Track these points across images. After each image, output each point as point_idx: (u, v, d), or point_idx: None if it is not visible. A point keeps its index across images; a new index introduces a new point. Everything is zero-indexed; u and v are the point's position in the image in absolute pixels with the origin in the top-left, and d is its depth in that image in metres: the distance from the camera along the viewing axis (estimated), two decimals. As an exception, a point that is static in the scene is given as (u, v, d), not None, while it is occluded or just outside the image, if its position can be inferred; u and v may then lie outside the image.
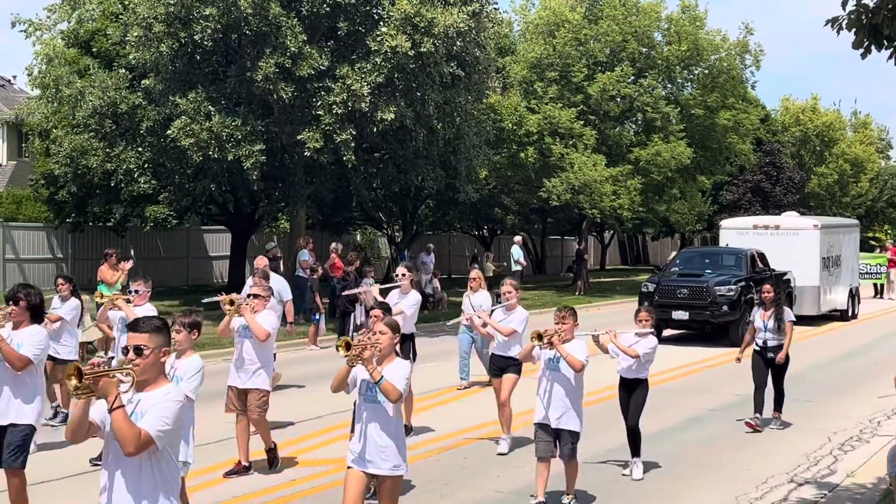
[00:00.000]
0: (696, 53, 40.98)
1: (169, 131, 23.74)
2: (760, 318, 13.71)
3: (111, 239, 32.96)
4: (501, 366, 11.92)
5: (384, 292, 12.89)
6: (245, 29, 23.34)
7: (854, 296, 30.92)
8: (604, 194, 36.73)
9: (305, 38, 23.63)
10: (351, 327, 23.07)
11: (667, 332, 23.87)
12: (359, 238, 43.86)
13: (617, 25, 39.64)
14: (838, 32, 9.86)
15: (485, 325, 12.35)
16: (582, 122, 37.88)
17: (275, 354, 12.11)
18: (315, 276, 24.04)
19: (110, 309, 12.12)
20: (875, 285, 39.49)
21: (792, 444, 12.69)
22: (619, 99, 39.53)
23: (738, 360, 13.83)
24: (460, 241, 50.14)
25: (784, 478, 10.93)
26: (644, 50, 40.74)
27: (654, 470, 11.20)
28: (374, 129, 24.51)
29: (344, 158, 24.15)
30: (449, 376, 17.99)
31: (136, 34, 23.76)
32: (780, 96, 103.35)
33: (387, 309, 9.86)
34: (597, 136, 38.22)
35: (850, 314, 30.25)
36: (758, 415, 13.41)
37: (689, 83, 43.16)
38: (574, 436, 9.36)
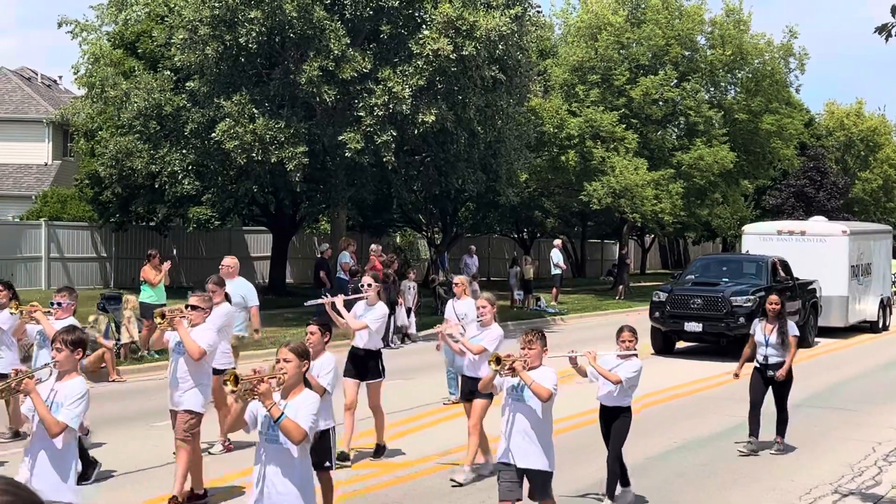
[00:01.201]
0: (739, 57, 40.71)
1: (213, 134, 23.92)
2: (762, 331, 12.66)
3: (154, 239, 33.30)
4: (471, 388, 10.78)
5: (350, 304, 11.79)
6: (289, 32, 23.48)
7: (886, 306, 29.49)
8: (645, 198, 36.54)
9: (348, 41, 23.74)
10: (391, 329, 23.18)
11: (679, 345, 23.08)
12: (398, 240, 43.96)
13: (660, 29, 39.44)
14: (887, 39, 9.76)
15: (457, 339, 11.54)
16: (624, 126, 37.73)
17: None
18: (356, 278, 24.10)
19: (28, 322, 11.11)
20: None
21: (836, 454, 12.56)
22: (661, 102, 39.33)
23: (737, 375, 12.78)
24: (500, 244, 50.11)
25: (828, 488, 10.82)
26: (687, 53, 40.52)
27: (693, 479, 11.12)
28: (416, 132, 24.56)
29: (384, 160, 24.22)
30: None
31: (181, 36, 23.96)
32: (824, 100, 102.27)
33: (326, 325, 9.34)
34: (639, 140, 38.06)
35: (880, 326, 28.73)
36: (752, 438, 12.41)
37: (733, 87, 42.87)
38: (543, 475, 8.12)
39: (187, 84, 25.16)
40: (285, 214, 33.26)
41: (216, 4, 23.12)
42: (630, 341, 9.63)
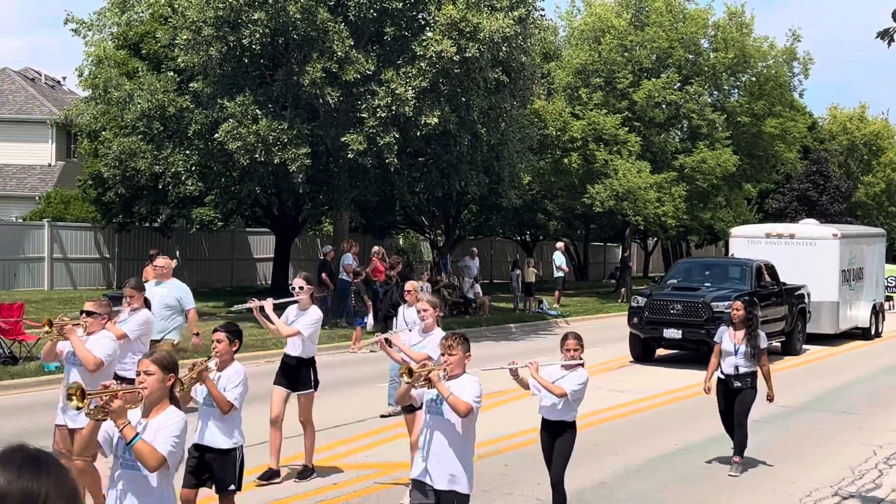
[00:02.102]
0: (743, 60, 40.72)
1: (216, 134, 23.95)
2: (730, 339, 11.79)
3: (157, 240, 33.34)
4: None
5: (281, 308, 10.84)
6: (293, 33, 23.51)
7: (878, 312, 28.60)
8: (648, 201, 36.54)
9: (352, 43, 23.76)
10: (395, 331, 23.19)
11: (659, 352, 22.25)
12: (401, 242, 43.98)
13: (663, 32, 39.47)
14: (889, 45, 9.78)
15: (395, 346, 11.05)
16: (627, 129, 37.74)
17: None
18: (358, 280, 24.16)
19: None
20: None
21: (836, 457, 12.56)
22: (664, 106, 39.34)
23: (707, 390, 11.99)
24: (503, 246, 50.13)
25: (828, 491, 10.82)
26: (690, 57, 40.53)
27: (694, 481, 11.13)
28: (418, 134, 24.57)
29: (387, 162, 24.24)
30: (490, 382, 17.96)
31: (185, 37, 23.99)
32: (827, 104, 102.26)
33: (235, 332, 8.37)
34: (641, 143, 38.06)
35: (872, 332, 27.82)
36: (737, 458, 11.64)
37: (736, 90, 42.89)
38: (461, 499, 7.12)
39: (191, 85, 25.19)
40: (288, 216, 33.29)
41: (220, 5, 23.16)
42: (575, 350, 8.86)
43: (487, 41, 23.62)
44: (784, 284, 23.53)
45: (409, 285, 13.64)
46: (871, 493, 10.83)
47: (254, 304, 10.64)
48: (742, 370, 11.68)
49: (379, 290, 24.26)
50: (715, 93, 42.23)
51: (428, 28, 24.44)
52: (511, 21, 23.96)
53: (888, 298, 34.47)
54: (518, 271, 34.26)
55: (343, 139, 24.02)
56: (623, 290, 38.68)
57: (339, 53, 23.34)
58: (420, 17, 25.37)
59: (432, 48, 23.44)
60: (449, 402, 6.93)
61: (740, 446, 11.61)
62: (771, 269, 23.35)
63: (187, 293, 13.78)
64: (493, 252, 48.94)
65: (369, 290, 24.50)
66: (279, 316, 10.74)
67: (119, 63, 28.77)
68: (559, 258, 34.80)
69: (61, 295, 29.95)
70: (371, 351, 22.30)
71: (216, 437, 8.11)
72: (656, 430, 13.98)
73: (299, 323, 10.74)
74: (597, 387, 17.79)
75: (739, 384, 11.68)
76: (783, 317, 22.77)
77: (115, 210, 31.60)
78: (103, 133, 28.66)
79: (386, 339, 10.00)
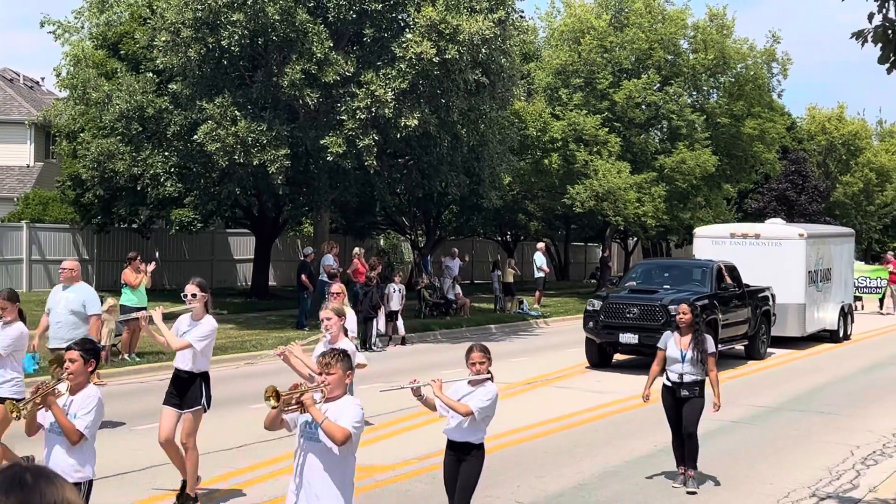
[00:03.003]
0: (722, 62, 40.87)
1: (195, 136, 23.89)
2: (676, 345, 11.02)
3: (136, 241, 33.20)
4: None
5: (171, 317, 10.19)
6: (272, 35, 23.47)
7: (847, 314, 27.79)
8: (628, 201, 36.64)
9: (331, 45, 23.74)
10: (374, 333, 23.20)
11: (617, 357, 21.34)
12: (382, 243, 43.94)
13: (643, 33, 39.57)
14: (863, 45, 9.83)
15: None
16: (607, 129, 37.82)
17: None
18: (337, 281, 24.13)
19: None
20: (881, 300, 37.59)
21: (813, 458, 12.63)
22: (644, 106, 39.45)
23: (646, 397, 11.18)
24: (483, 247, 50.15)
25: (806, 492, 10.88)
26: (670, 58, 40.64)
27: (672, 482, 11.17)
28: (398, 135, 24.58)
29: (367, 164, 24.24)
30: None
31: (163, 38, 23.92)
32: (805, 104, 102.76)
33: (91, 351, 7.29)
34: (621, 144, 38.16)
35: (840, 335, 26.96)
36: (690, 472, 10.94)
37: (716, 91, 43.03)
38: None
39: (170, 86, 25.13)
40: (268, 217, 33.22)
41: (199, 7, 23.10)
42: (481, 363, 7.97)
43: (467, 43, 23.64)
44: (747, 286, 22.84)
45: (335, 287, 13.15)
46: (849, 494, 10.90)
47: (142, 314, 10.08)
48: (688, 378, 10.93)
49: (359, 292, 24.25)
50: (694, 94, 42.35)
51: (407, 29, 24.45)
52: (490, 23, 24.00)
53: (857, 299, 33.56)
54: (498, 272, 34.29)
55: (323, 141, 24.00)
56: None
57: (319, 55, 23.32)
58: (399, 18, 25.38)
59: (412, 50, 23.44)
60: (323, 428, 6.25)
61: (692, 458, 10.91)
62: (732, 271, 22.54)
63: (93, 299, 13.05)
64: (474, 253, 48.93)
65: (349, 292, 24.48)
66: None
67: (98, 63, 28.64)
68: (540, 258, 34.86)
69: (40, 297, 29.70)
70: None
71: (63, 470, 6.70)
72: (634, 432, 14.02)
73: (191, 335, 9.77)
74: (576, 388, 17.87)
75: (686, 393, 10.92)
76: (746, 320, 22.10)
77: (93, 211, 31.45)
78: (82, 134, 28.53)
79: (285, 353, 9.07)
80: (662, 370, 11.19)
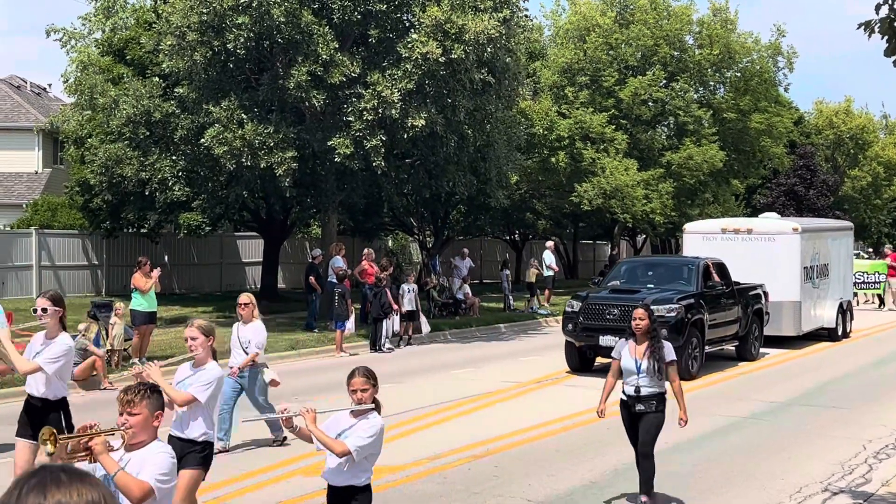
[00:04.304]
0: (727, 56, 40.87)
1: (202, 140, 23.91)
2: (630, 354, 9.91)
3: (145, 245, 33.28)
4: (178, 452, 6.79)
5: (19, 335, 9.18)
6: (277, 37, 23.48)
7: (846, 311, 26.67)
8: (635, 198, 36.61)
9: (337, 46, 23.74)
10: (383, 334, 23.20)
11: (598, 361, 20.04)
12: (390, 243, 43.94)
13: (648, 29, 39.57)
14: (870, 36, 9.80)
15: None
16: (613, 127, 37.81)
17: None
18: (345, 283, 24.16)
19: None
20: (879, 296, 37.00)
21: (826, 453, 12.59)
22: (650, 103, 39.45)
23: (601, 413, 10.15)
24: (492, 247, 50.13)
25: (818, 487, 10.85)
26: (675, 54, 40.65)
27: (684, 479, 11.16)
28: (405, 136, 24.58)
29: (374, 165, 24.24)
30: (480, 383, 18.04)
31: (169, 43, 23.94)
32: (812, 98, 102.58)
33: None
34: (628, 141, 38.15)
35: (839, 333, 25.86)
36: (643, 496, 9.94)
37: (722, 86, 43.01)
38: None
39: (176, 90, 25.15)
40: (276, 219, 33.25)
41: (204, 10, 23.11)
42: (363, 391, 6.68)
43: (472, 42, 23.62)
44: (737, 284, 21.83)
45: (243, 297, 12.21)
46: (862, 488, 10.87)
47: None
48: (645, 391, 9.82)
49: (368, 293, 24.26)
50: (700, 89, 42.35)
51: (413, 30, 24.42)
52: (496, 22, 23.97)
53: (855, 295, 32.41)
54: (507, 271, 34.26)
55: (330, 143, 24.00)
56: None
57: (324, 56, 23.32)
58: (405, 18, 25.35)
59: (417, 50, 23.43)
60: (116, 481, 5.05)
61: (647, 481, 9.86)
62: (721, 268, 21.49)
63: None
64: (483, 252, 48.92)
65: (358, 293, 24.52)
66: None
67: (104, 69, 28.68)
68: (549, 257, 34.82)
69: (50, 303, 29.83)
70: (352, 354, 22.35)
71: None
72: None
73: (42, 356, 8.50)
74: (586, 386, 17.84)
75: (642, 407, 9.84)
76: (736, 319, 21.18)
77: (102, 216, 31.52)
78: (89, 140, 28.58)
79: (140, 373, 7.77)
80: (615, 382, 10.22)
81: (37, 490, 2.36)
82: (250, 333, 12.04)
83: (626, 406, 9.98)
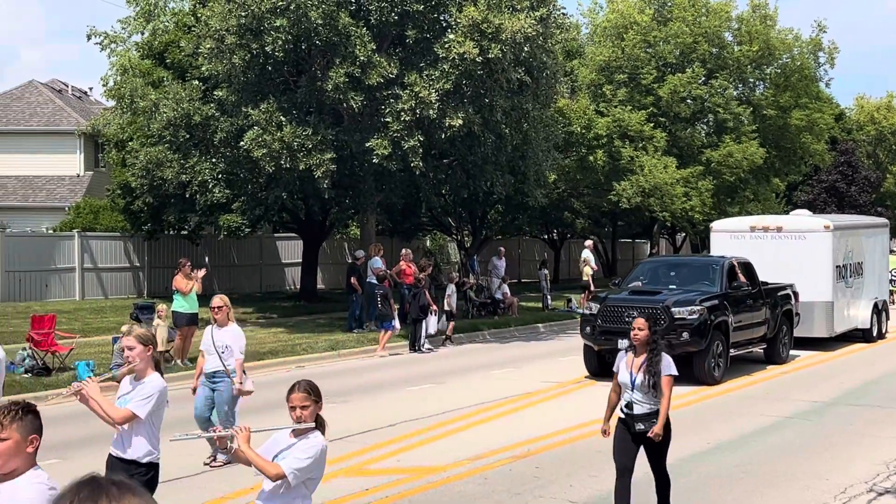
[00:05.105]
0: (767, 53, 40.56)
1: (242, 142, 24.06)
2: (627, 367, 9.13)
3: (186, 247, 33.54)
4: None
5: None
6: (315, 39, 23.58)
7: (881, 311, 25.59)
8: (675, 196, 36.42)
9: (374, 47, 23.80)
10: (422, 334, 23.24)
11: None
12: (428, 243, 44.01)
13: (687, 27, 39.35)
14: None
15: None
16: (652, 125, 37.64)
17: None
18: (385, 284, 24.22)
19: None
20: None
21: (871, 452, 12.45)
22: (689, 100, 39.23)
23: (605, 432, 9.37)
24: (530, 246, 50.07)
25: (863, 487, 10.73)
26: (714, 50, 40.39)
27: (728, 479, 11.08)
28: (443, 136, 24.61)
29: (412, 165, 24.28)
30: (520, 383, 18.01)
31: (208, 46, 24.11)
32: (854, 94, 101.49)
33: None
34: (667, 138, 37.95)
35: (874, 334, 24.85)
36: None
37: (761, 83, 42.69)
38: None
39: (215, 93, 25.32)
40: (315, 221, 33.41)
41: (242, 13, 23.26)
42: (303, 407, 6.05)
43: (509, 42, 23.59)
44: (765, 284, 21.06)
45: (216, 300, 11.72)
46: (907, 489, 10.74)
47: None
48: (638, 409, 8.98)
49: (406, 293, 24.30)
50: (740, 86, 42.06)
51: (450, 30, 24.43)
52: (532, 21, 23.93)
53: (891, 293, 31.13)
54: (545, 271, 34.18)
55: (368, 144, 24.08)
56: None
57: (362, 58, 23.39)
58: (441, 18, 25.38)
59: (454, 50, 23.44)
60: None
61: (663, 496, 9.32)
62: (747, 267, 20.65)
63: None
64: (521, 251, 48.88)
65: (396, 294, 24.57)
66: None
67: (144, 73, 28.95)
68: (588, 256, 34.67)
69: (92, 305, 30.20)
70: (392, 354, 22.42)
71: None
72: (687, 429, 13.91)
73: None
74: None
75: (642, 427, 8.96)
76: (763, 321, 20.42)
77: (143, 219, 31.82)
78: (130, 143, 28.86)
79: (79, 390, 7.08)
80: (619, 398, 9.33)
81: (89, 502, 2.37)
82: (228, 338, 11.43)
83: (625, 423, 9.13)
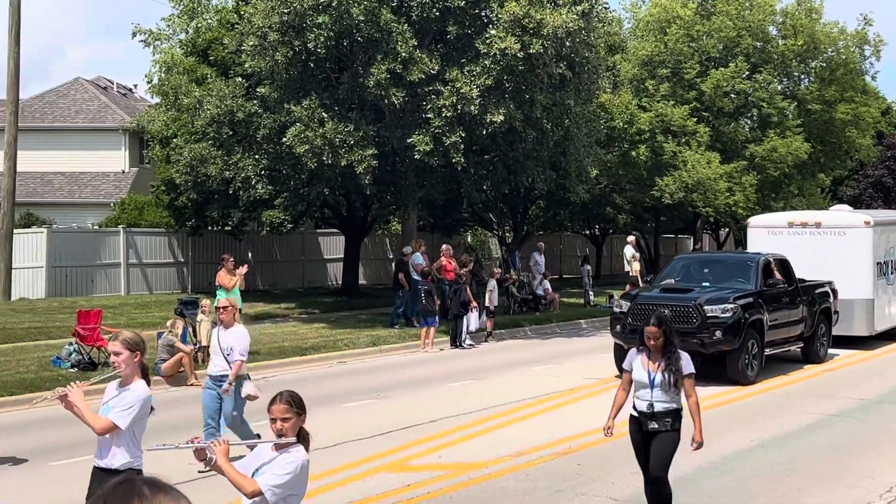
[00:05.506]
0: (812, 47, 40.10)
1: (284, 138, 24.20)
2: (643, 366, 8.88)
3: (229, 243, 33.79)
4: (101, 484, 5.95)
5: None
6: (357, 36, 23.65)
7: None
8: (718, 192, 36.16)
9: (415, 43, 23.83)
10: (464, 330, 23.25)
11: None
12: (469, 239, 44.01)
13: (730, 21, 39.02)
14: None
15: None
16: (695, 120, 37.38)
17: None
18: (429, 280, 24.26)
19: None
20: None
21: (917, 452, 12.31)
22: (733, 95, 38.91)
23: (608, 430, 9.12)
24: (571, 241, 49.91)
25: (909, 486, 10.62)
26: (759, 44, 40.01)
27: (772, 477, 11.00)
28: (484, 132, 24.60)
29: (453, 161, 24.29)
30: (561, 380, 17.97)
31: (251, 43, 24.26)
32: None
33: None
34: (710, 133, 37.67)
35: None
36: None
37: (806, 77, 42.24)
38: None
39: (258, 90, 25.47)
40: (357, 216, 33.52)
41: (285, 11, 23.38)
42: (284, 420, 5.72)
43: (551, 37, 23.52)
44: (803, 281, 20.59)
45: (222, 300, 11.59)
46: (954, 489, 10.59)
47: None
48: (660, 407, 8.77)
49: (447, 289, 24.32)
50: (784, 80, 41.64)
51: (491, 25, 24.40)
52: (574, 16, 23.84)
53: None
54: (588, 266, 34.06)
55: (409, 140, 24.12)
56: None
57: (403, 54, 23.43)
58: (483, 14, 25.35)
59: (496, 45, 23.41)
60: None
61: None
62: (783, 264, 20.20)
63: None
64: (563, 247, 48.74)
65: (438, 289, 24.59)
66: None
67: (188, 70, 29.17)
68: (630, 252, 34.53)
69: (137, 300, 30.51)
70: (440, 349, 22.47)
71: None
72: (730, 426, 13.82)
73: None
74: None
75: (655, 425, 8.79)
76: (800, 319, 19.98)
77: (187, 215, 32.08)
78: (174, 139, 29.11)
79: (64, 395, 6.90)
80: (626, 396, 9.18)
81: (121, 502, 2.39)
82: (232, 339, 11.23)
83: (637, 423, 8.92)
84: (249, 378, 11.57)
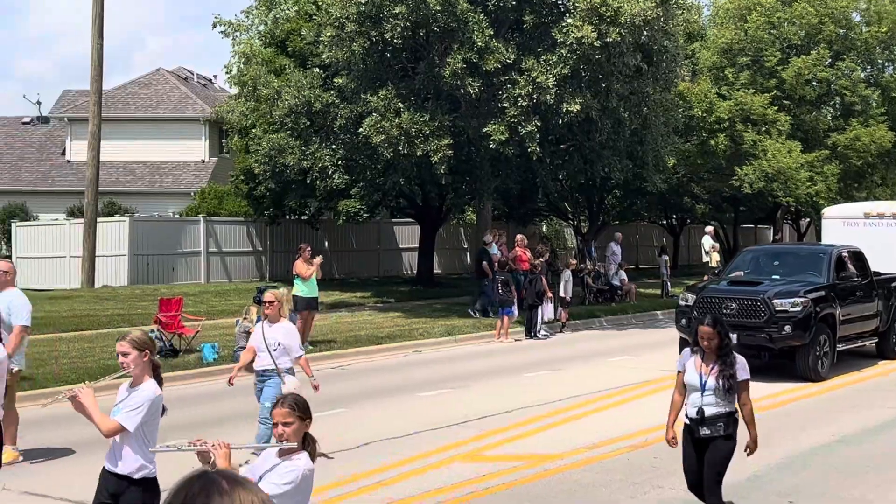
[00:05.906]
0: (897, 33, 39.15)
1: (361, 129, 24.35)
2: (696, 369, 8.28)
3: (306, 232, 34.16)
4: (113, 490, 6.72)
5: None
6: (433, 25, 23.68)
7: None
8: (799, 181, 35.55)
9: (492, 33, 23.79)
10: (539, 320, 23.21)
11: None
12: (544, 229, 43.87)
13: (812, 7, 38.24)
14: None
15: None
16: (775, 108, 36.76)
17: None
18: (506, 270, 24.22)
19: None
20: None
21: None
22: (815, 83, 38.17)
23: (672, 441, 8.62)
24: (648, 231, 49.48)
25: None
26: (841, 31, 39.16)
27: (852, 472, 10.80)
28: (560, 121, 24.50)
29: (529, 150, 24.22)
30: (639, 372, 17.85)
31: (329, 34, 24.43)
32: None
33: None
34: (791, 122, 37.02)
35: None
36: None
37: (890, 64, 41.26)
38: None
39: (335, 80, 25.64)
40: (432, 206, 33.62)
41: (362, 1, 23.50)
42: (286, 424, 5.53)
43: (628, 25, 23.30)
44: (878, 274, 19.76)
45: (268, 295, 11.27)
46: None
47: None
48: (710, 411, 8.19)
49: (521, 279, 24.28)
50: (868, 68, 40.71)
51: (567, 14, 24.26)
52: (652, 3, 23.58)
53: None
54: (666, 257, 33.74)
55: (485, 129, 24.11)
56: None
57: (479, 44, 23.40)
58: (559, 3, 25.24)
59: (572, 34, 23.27)
60: None
61: None
62: (857, 257, 19.39)
63: (21, 306, 10.94)
64: (639, 237, 48.33)
65: (513, 279, 24.55)
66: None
67: (266, 61, 29.49)
68: (708, 242, 34.14)
69: (217, 288, 31.01)
70: (516, 340, 22.47)
71: None
72: (808, 421, 13.61)
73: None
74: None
75: (707, 431, 8.21)
76: (875, 314, 19.28)
77: (265, 204, 32.48)
78: (253, 130, 29.47)
79: (74, 396, 6.69)
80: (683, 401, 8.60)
81: (201, 497, 2.44)
82: (280, 335, 11.04)
83: (689, 430, 8.38)
84: (293, 375, 11.31)
